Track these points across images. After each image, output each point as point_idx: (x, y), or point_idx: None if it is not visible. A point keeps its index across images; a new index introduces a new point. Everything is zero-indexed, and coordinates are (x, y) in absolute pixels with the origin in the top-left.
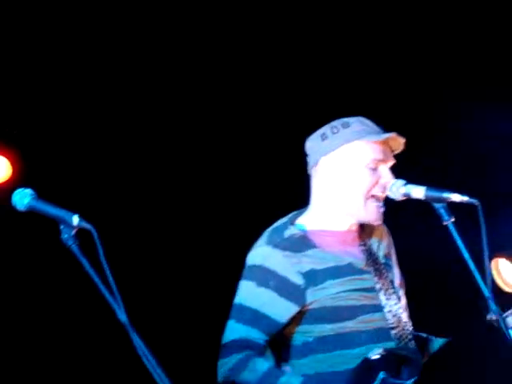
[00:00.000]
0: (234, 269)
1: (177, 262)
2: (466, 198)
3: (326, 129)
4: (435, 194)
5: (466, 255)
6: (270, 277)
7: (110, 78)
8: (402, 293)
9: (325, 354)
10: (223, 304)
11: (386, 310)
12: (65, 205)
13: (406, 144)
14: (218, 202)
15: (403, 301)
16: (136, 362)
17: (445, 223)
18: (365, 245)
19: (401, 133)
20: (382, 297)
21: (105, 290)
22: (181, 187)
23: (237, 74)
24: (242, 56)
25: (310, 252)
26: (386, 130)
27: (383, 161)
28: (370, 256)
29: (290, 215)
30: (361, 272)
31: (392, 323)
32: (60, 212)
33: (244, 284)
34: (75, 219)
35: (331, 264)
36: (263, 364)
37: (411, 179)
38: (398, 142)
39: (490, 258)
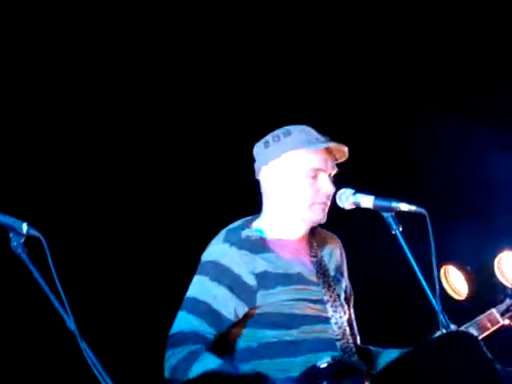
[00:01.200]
0: (184, 274)
1: (126, 268)
2: (413, 208)
3: (269, 137)
4: (384, 203)
5: (414, 264)
6: (225, 273)
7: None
8: (347, 307)
9: (268, 360)
10: (172, 312)
11: (332, 321)
12: (14, 213)
13: (349, 153)
14: (169, 204)
15: (349, 315)
16: (85, 369)
17: (393, 232)
18: (316, 256)
19: (351, 141)
20: (329, 309)
21: (54, 298)
22: (130, 191)
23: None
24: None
25: (264, 255)
26: (333, 138)
27: (322, 170)
28: (320, 268)
29: (245, 218)
30: (309, 283)
31: (337, 335)
32: (9, 220)
33: (198, 278)
34: (24, 227)
35: (282, 271)
36: (214, 359)
37: (364, 188)
38: (342, 151)
39: (439, 266)
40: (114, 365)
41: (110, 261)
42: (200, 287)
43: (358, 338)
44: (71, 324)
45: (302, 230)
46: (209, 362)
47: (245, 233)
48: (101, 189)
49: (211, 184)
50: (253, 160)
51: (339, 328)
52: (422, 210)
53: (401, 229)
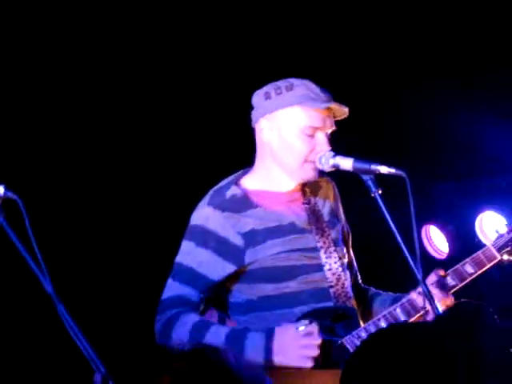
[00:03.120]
0: (175, 233)
1: (108, 228)
2: (393, 170)
3: (270, 87)
4: (363, 165)
5: (393, 227)
6: (210, 237)
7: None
8: (346, 249)
9: (267, 312)
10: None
11: (325, 268)
12: None
13: (350, 112)
14: (163, 159)
15: (348, 257)
16: (61, 333)
17: (372, 195)
18: (309, 203)
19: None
20: (323, 255)
21: (31, 261)
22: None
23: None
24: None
25: (250, 212)
26: (335, 95)
27: (320, 128)
28: (313, 214)
29: (235, 174)
30: (302, 231)
31: (331, 281)
32: None
33: (184, 244)
34: (1, 189)
35: (272, 224)
36: (193, 317)
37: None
38: (342, 110)
39: (421, 226)
40: (93, 329)
41: (92, 220)
42: (186, 253)
43: (359, 277)
44: (48, 286)
45: (292, 185)
46: (187, 322)
47: (229, 192)
48: (76, 147)
49: (205, 137)
50: (251, 107)
51: (333, 274)
52: (402, 173)
53: (380, 191)
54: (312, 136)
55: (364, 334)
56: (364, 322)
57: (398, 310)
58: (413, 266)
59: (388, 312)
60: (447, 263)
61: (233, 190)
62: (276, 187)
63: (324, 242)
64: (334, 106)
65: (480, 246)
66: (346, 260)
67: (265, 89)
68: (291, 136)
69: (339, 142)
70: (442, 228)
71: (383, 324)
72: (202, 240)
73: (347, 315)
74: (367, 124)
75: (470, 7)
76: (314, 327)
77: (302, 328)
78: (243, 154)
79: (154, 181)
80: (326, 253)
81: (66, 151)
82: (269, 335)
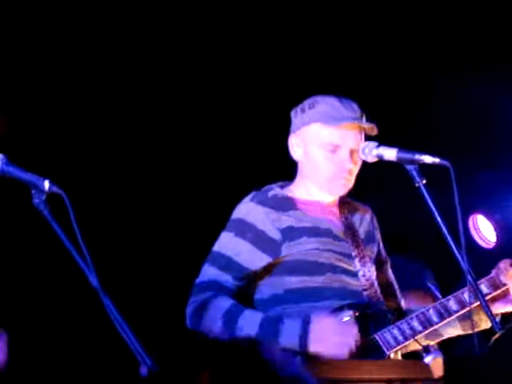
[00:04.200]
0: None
1: (151, 224)
2: (437, 160)
3: (300, 105)
4: (407, 155)
5: (439, 218)
6: (248, 229)
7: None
8: (381, 270)
9: (294, 304)
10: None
11: (360, 274)
12: (36, 170)
13: (378, 128)
14: (207, 164)
15: (386, 279)
16: (107, 325)
17: (416, 185)
18: (346, 218)
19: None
20: (357, 263)
21: (76, 255)
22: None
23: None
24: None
25: (290, 212)
26: (360, 104)
27: (341, 145)
28: (350, 229)
29: (279, 183)
30: (338, 239)
31: (365, 285)
32: (31, 177)
33: (224, 234)
34: (46, 184)
35: (310, 224)
36: (227, 301)
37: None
38: (371, 127)
39: (466, 217)
40: (137, 321)
41: (134, 216)
42: (224, 242)
43: (403, 302)
44: (94, 280)
45: (328, 198)
46: (222, 305)
47: (272, 192)
48: (122, 148)
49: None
50: None
51: (367, 280)
52: (446, 163)
53: (424, 181)
54: (334, 152)
55: (396, 331)
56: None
57: (431, 311)
58: (459, 256)
59: (421, 312)
60: (495, 253)
61: (276, 191)
62: (314, 197)
63: (358, 253)
64: (352, 123)
65: None
66: (381, 281)
67: (299, 106)
68: (314, 152)
69: (383, 133)
70: (489, 217)
71: (415, 323)
72: (240, 231)
73: (380, 314)
74: (409, 114)
75: None
76: (353, 316)
77: (346, 318)
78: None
79: (195, 182)
80: (360, 261)
81: (109, 149)
82: (305, 322)
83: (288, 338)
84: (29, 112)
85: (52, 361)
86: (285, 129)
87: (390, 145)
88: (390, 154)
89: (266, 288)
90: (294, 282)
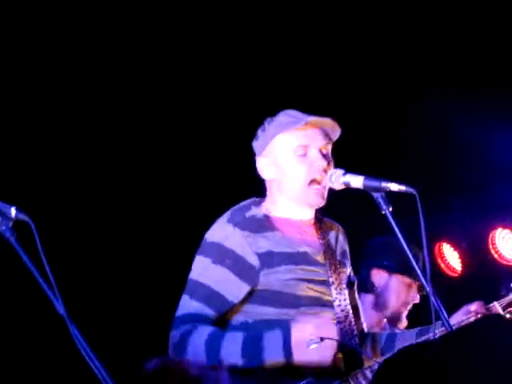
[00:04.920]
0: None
1: (119, 250)
2: (403, 188)
3: (259, 129)
4: (373, 183)
5: (404, 244)
6: (227, 255)
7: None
8: (352, 292)
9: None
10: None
11: (335, 303)
12: (2, 197)
13: (341, 127)
14: (175, 181)
15: (354, 300)
16: (74, 354)
17: (383, 212)
18: (323, 238)
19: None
20: (333, 291)
21: (43, 282)
22: (125, 169)
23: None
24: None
25: (268, 234)
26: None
27: (311, 145)
28: (327, 250)
29: (253, 199)
30: (315, 263)
31: (339, 317)
32: None
33: (200, 260)
34: (13, 211)
35: (288, 250)
36: (208, 328)
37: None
38: (334, 128)
39: (433, 243)
40: (104, 349)
41: (102, 242)
42: (203, 270)
43: (365, 324)
44: (60, 308)
45: (306, 212)
46: (204, 332)
47: (249, 213)
48: (90, 170)
49: (217, 164)
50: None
51: (342, 311)
52: (412, 190)
53: (391, 209)
54: (305, 155)
55: (369, 373)
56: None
57: None
58: (424, 282)
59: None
60: (460, 281)
61: (253, 211)
62: (291, 216)
63: (336, 279)
64: (313, 119)
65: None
66: (353, 302)
67: (257, 131)
68: (286, 162)
69: (348, 159)
70: (455, 245)
71: None
72: (219, 257)
73: (352, 352)
74: (376, 140)
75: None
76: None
77: (313, 346)
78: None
79: (167, 196)
80: (336, 289)
81: (79, 172)
82: (285, 334)
83: (272, 354)
84: None
85: None
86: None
87: (358, 172)
88: (357, 181)
89: (238, 315)
90: (267, 313)
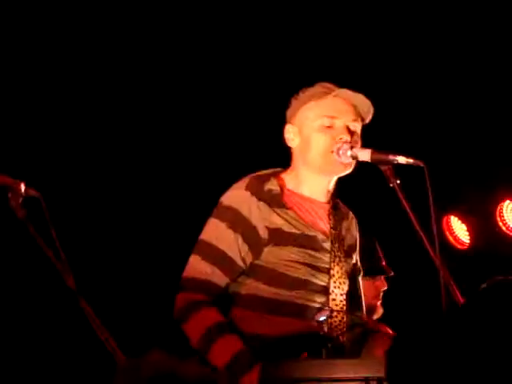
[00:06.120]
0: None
1: (128, 227)
2: (411, 160)
3: (294, 96)
4: (381, 156)
5: (412, 217)
6: (242, 222)
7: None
8: (354, 281)
9: (251, 312)
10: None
11: (331, 297)
12: (12, 173)
13: (374, 105)
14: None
15: (356, 289)
16: (84, 326)
17: (391, 185)
18: (335, 228)
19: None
20: (332, 283)
21: (54, 258)
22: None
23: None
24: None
25: (282, 211)
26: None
27: (338, 117)
28: (336, 240)
29: (274, 169)
30: (321, 249)
31: (332, 311)
32: (7, 180)
33: (215, 223)
34: (22, 187)
35: (297, 231)
36: (215, 316)
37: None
38: (366, 104)
39: (440, 217)
40: (114, 322)
41: (112, 220)
42: (216, 232)
43: (364, 311)
44: (71, 282)
45: (324, 186)
46: (209, 316)
47: (268, 185)
48: (100, 146)
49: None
50: None
51: (336, 305)
52: (420, 163)
53: (398, 181)
54: (331, 127)
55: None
56: None
57: None
58: (433, 255)
59: None
60: (469, 254)
61: (271, 184)
62: (308, 191)
63: (337, 271)
64: (349, 93)
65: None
66: (350, 292)
67: (291, 98)
68: (311, 132)
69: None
70: (463, 218)
71: None
72: (234, 223)
73: (336, 349)
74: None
75: None
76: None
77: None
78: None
79: (177, 176)
80: (336, 282)
81: (87, 149)
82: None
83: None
84: (5, 115)
85: (29, 364)
86: (277, 121)
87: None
88: (365, 155)
89: (232, 285)
90: (260, 288)
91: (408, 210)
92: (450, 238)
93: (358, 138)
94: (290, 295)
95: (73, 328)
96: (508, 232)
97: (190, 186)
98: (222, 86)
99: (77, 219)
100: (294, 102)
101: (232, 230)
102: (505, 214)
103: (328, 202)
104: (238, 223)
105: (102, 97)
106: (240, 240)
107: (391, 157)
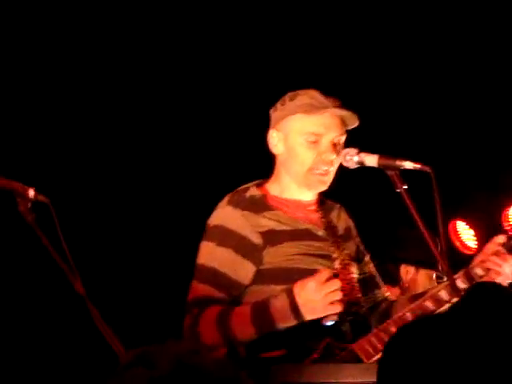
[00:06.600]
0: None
1: (135, 232)
2: (418, 166)
3: (279, 101)
4: (388, 161)
5: (420, 222)
6: (230, 236)
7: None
8: (363, 265)
9: None
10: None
11: (340, 277)
12: (21, 179)
13: (360, 119)
14: (181, 167)
15: (367, 272)
16: (94, 332)
17: (398, 190)
18: (325, 217)
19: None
20: (338, 266)
21: (62, 262)
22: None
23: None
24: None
25: (268, 213)
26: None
27: (324, 134)
28: (330, 227)
29: (254, 182)
30: (318, 239)
31: (344, 290)
32: (16, 185)
33: (205, 245)
34: (31, 192)
35: (289, 227)
36: (216, 308)
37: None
38: (352, 117)
39: (447, 221)
40: (123, 328)
41: (119, 225)
42: (207, 253)
43: (388, 293)
44: (79, 287)
45: (308, 194)
46: (214, 310)
47: (249, 193)
48: (108, 153)
49: (223, 147)
50: None
51: (347, 284)
52: (427, 168)
53: (406, 187)
54: (316, 143)
55: (374, 339)
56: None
57: (408, 315)
58: (440, 260)
59: (398, 316)
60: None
61: (252, 191)
62: (292, 195)
63: (339, 254)
64: (337, 111)
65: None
66: (360, 276)
67: (277, 102)
68: (295, 144)
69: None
70: (471, 223)
71: (393, 329)
72: (222, 239)
73: (359, 320)
74: (390, 116)
75: None
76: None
77: (330, 323)
78: (264, 163)
79: (179, 184)
80: (341, 264)
81: (95, 153)
82: (290, 297)
83: (283, 320)
84: (14, 120)
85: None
86: (261, 129)
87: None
88: (372, 160)
89: (248, 297)
90: (275, 290)
91: (415, 215)
92: (457, 243)
93: (341, 149)
94: None
95: (81, 331)
96: None
97: (194, 190)
98: (201, 96)
99: (85, 225)
100: (279, 108)
101: (222, 246)
102: (511, 219)
103: (313, 200)
104: (227, 238)
105: (107, 106)
106: (232, 254)
107: (398, 162)
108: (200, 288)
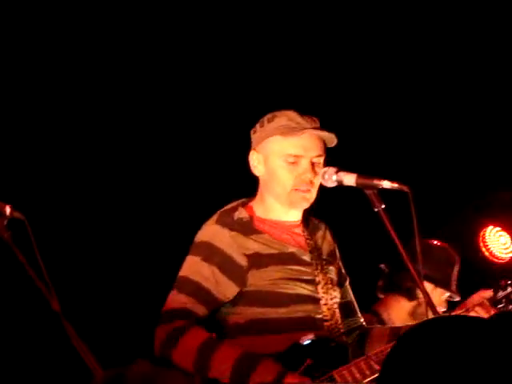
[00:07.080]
0: (176, 255)
1: (111, 248)
2: (396, 185)
3: (259, 122)
4: (366, 180)
5: (397, 241)
6: (216, 254)
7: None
8: (343, 290)
9: (254, 337)
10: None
11: (322, 302)
12: None
13: (338, 138)
14: (164, 185)
15: (346, 297)
16: (69, 349)
17: (375, 210)
18: (311, 239)
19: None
20: (320, 290)
21: (37, 279)
22: (118, 170)
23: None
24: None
25: (256, 237)
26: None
27: (303, 156)
28: (314, 250)
29: (241, 200)
30: (303, 263)
31: (326, 315)
32: None
33: (190, 258)
34: (7, 209)
35: (275, 251)
36: (203, 333)
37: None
38: (331, 136)
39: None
40: (99, 345)
41: (96, 241)
42: (192, 267)
43: (362, 319)
44: (55, 304)
45: (292, 214)
46: (200, 335)
47: (237, 214)
48: (84, 168)
49: (209, 165)
50: None
51: (328, 309)
52: (405, 188)
53: (383, 206)
54: (296, 164)
55: (354, 369)
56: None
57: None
58: (417, 280)
59: (380, 350)
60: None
61: (240, 213)
62: (277, 217)
63: (322, 278)
64: (311, 132)
65: None
66: (341, 300)
67: (256, 123)
68: (275, 166)
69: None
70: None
71: (373, 363)
72: (208, 256)
73: (338, 345)
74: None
75: None
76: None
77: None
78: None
79: (162, 196)
80: (323, 288)
81: (75, 172)
82: (281, 373)
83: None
84: None
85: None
86: (246, 146)
87: (350, 170)
88: (350, 179)
89: (230, 317)
90: (258, 313)
91: (392, 234)
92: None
93: (319, 168)
94: (286, 311)
95: (56, 348)
96: None
97: (175, 210)
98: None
99: (61, 242)
100: (259, 130)
101: (207, 262)
102: None
103: (299, 220)
104: (213, 255)
105: (85, 122)
106: (216, 271)
107: (376, 181)
108: (180, 299)
